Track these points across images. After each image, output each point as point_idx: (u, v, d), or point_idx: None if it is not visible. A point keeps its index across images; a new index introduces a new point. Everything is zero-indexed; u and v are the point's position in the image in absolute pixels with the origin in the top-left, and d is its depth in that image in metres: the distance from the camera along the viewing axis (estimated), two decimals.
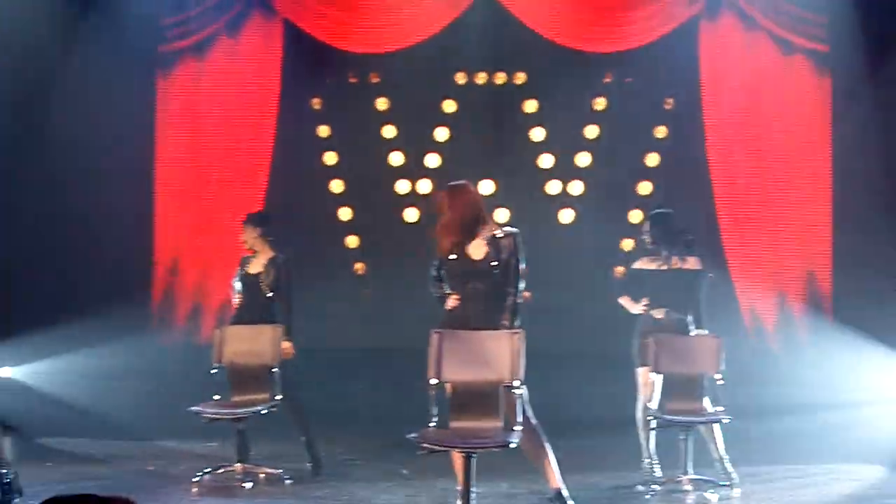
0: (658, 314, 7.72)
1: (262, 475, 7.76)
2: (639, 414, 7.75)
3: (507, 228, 6.55)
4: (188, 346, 10.35)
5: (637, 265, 7.89)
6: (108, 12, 10.49)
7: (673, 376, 7.54)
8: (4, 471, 6.56)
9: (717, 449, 7.54)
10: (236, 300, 8.20)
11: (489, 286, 6.39)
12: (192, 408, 7.53)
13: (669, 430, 7.52)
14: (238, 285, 8.14)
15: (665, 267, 7.72)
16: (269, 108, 10.79)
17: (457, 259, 6.44)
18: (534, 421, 6.37)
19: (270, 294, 7.98)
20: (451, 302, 6.47)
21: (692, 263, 7.75)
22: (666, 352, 7.56)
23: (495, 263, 6.38)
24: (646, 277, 7.79)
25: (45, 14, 10.35)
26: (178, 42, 10.91)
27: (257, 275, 8.02)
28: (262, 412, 7.58)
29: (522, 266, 6.45)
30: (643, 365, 7.67)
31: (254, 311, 7.99)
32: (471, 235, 6.44)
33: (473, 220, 6.45)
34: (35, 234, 10.22)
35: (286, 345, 7.84)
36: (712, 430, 7.53)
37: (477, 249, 6.44)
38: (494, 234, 6.47)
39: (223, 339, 7.88)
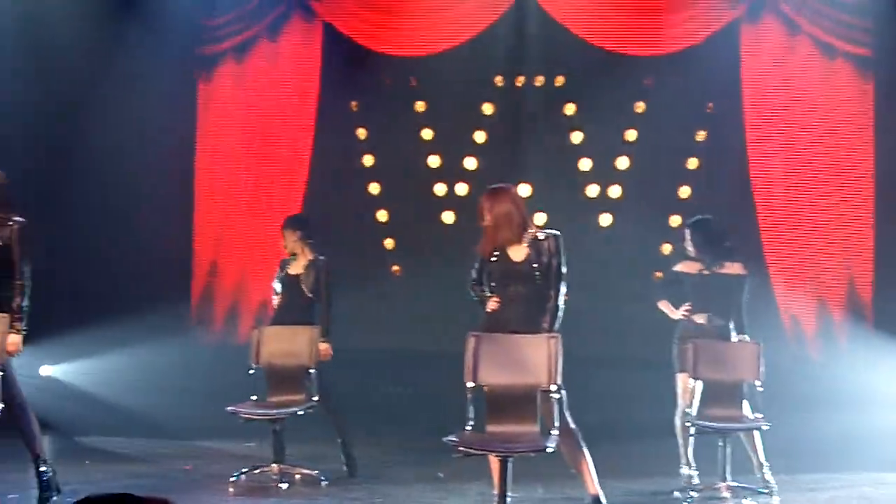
0: (700, 319, 7.65)
1: (298, 476, 7.77)
2: (678, 420, 7.69)
3: (549, 231, 6.52)
4: (226, 346, 10.42)
5: (677, 268, 7.84)
6: (149, 15, 10.62)
7: (712, 382, 7.49)
8: (43, 469, 6.62)
9: (757, 456, 7.46)
10: (276, 301, 8.21)
11: (530, 289, 6.37)
12: (230, 408, 7.56)
13: (708, 436, 7.45)
14: (278, 286, 8.16)
15: (707, 271, 7.66)
16: (307, 111, 10.86)
17: (498, 261, 6.42)
18: (573, 425, 6.33)
19: (310, 295, 7.99)
20: (492, 304, 6.46)
21: (734, 268, 7.69)
22: (705, 358, 7.50)
23: (536, 266, 6.36)
24: (686, 281, 7.74)
25: (88, 17, 10.48)
26: (219, 45, 11.03)
27: (297, 276, 8.04)
28: (299, 413, 7.58)
29: (564, 269, 6.42)
30: (682, 371, 7.60)
31: (293, 312, 8.01)
32: (512, 238, 6.41)
33: (515, 222, 6.42)
34: (76, 234, 10.30)
35: (324, 346, 7.85)
36: (752, 438, 7.45)
37: (518, 252, 6.42)
38: (536, 237, 6.45)
39: (261, 339, 7.91)
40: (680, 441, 7.70)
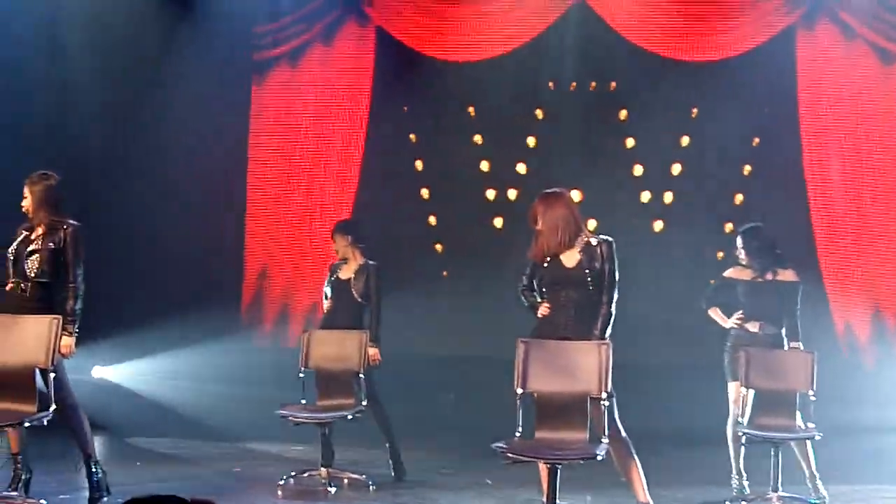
0: (752, 328, 7.57)
1: (346, 480, 7.79)
2: (729, 429, 7.61)
3: (602, 237, 6.47)
4: (276, 349, 10.46)
5: (728, 274, 7.76)
6: (204, 20, 10.71)
7: (765, 391, 7.41)
8: (94, 469, 6.68)
9: (809, 466, 7.38)
10: (326, 305, 8.24)
11: (582, 295, 6.33)
12: (279, 411, 7.58)
13: (760, 445, 7.37)
14: (328, 291, 8.18)
15: (759, 279, 7.59)
16: (359, 115, 10.90)
17: (550, 266, 6.39)
18: (623, 433, 6.29)
19: (360, 300, 8.01)
20: (543, 310, 6.42)
21: (787, 275, 7.61)
22: (757, 366, 7.43)
23: (589, 271, 6.32)
24: (738, 288, 7.66)
25: (144, 22, 10.59)
26: (273, 50, 11.10)
27: (347, 280, 8.05)
28: (348, 417, 7.58)
29: (616, 275, 6.38)
30: (735, 379, 7.53)
31: (344, 316, 8.03)
32: (565, 243, 6.38)
33: (569, 227, 6.38)
34: (129, 236, 10.41)
35: (373, 351, 7.87)
36: (804, 447, 7.37)
37: (570, 257, 6.38)
38: (589, 242, 6.40)
39: (310, 343, 7.93)
40: (731, 450, 7.63)
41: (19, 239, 6.80)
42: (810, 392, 7.35)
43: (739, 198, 10.58)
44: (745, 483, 7.55)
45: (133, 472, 7.96)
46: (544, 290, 6.44)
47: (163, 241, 10.50)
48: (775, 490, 7.24)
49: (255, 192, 11.14)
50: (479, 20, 10.69)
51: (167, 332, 10.01)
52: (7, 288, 6.74)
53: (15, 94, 9.59)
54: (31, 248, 6.70)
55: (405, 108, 11.11)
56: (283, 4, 11.02)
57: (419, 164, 11.12)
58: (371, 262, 8.07)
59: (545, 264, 6.40)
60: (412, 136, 11.12)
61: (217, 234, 10.84)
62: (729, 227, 10.26)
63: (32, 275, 6.67)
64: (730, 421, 7.60)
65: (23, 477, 6.49)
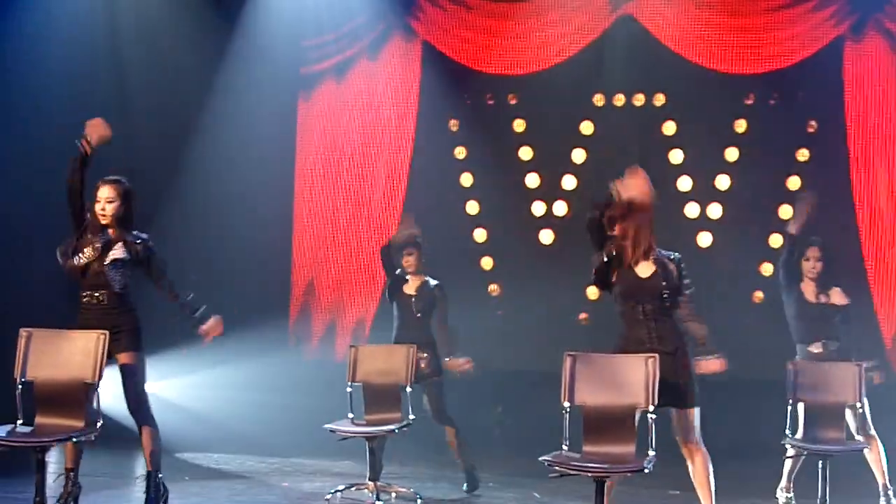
0: (815, 349, 7.56)
1: (393, 494, 7.83)
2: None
3: (671, 253, 6.39)
4: (324, 363, 10.51)
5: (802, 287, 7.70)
6: (252, 35, 10.83)
7: (812, 405, 7.37)
8: (156, 483, 6.67)
9: (883, 477, 7.35)
10: (395, 321, 8.34)
11: (657, 307, 6.23)
12: (327, 426, 7.59)
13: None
14: (395, 306, 8.31)
15: (823, 296, 7.58)
16: (406, 130, 10.95)
17: (623, 276, 6.27)
18: (703, 446, 6.23)
19: (419, 315, 8.15)
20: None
21: (838, 297, 7.58)
22: (805, 380, 7.40)
23: (665, 284, 6.22)
24: (800, 304, 7.63)
25: (193, 34, 10.69)
26: (319, 64, 11.17)
27: (411, 296, 8.21)
28: (395, 431, 7.59)
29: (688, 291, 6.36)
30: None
31: (411, 331, 8.16)
32: (644, 254, 6.29)
33: (647, 238, 6.30)
34: (176, 251, 10.46)
35: (461, 361, 8.10)
36: (878, 458, 7.34)
37: (646, 268, 6.29)
38: (659, 256, 6.32)
39: (357, 357, 7.95)
40: (786, 464, 7.56)
41: (90, 248, 6.64)
42: (858, 404, 7.31)
43: (788, 211, 10.51)
44: (791, 496, 7.49)
45: (181, 487, 8.01)
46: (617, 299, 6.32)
47: (211, 256, 10.58)
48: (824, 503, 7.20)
49: (303, 205, 11.22)
50: (526, 35, 10.73)
51: (216, 346, 10.01)
52: (84, 300, 6.66)
53: (75, 102, 9.64)
54: (111, 258, 6.66)
55: (453, 122, 11.15)
56: (330, 19, 11.07)
57: (467, 179, 11.15)
58: (432, 279, 8.27)
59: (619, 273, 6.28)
60: (459, 151, 11.16)
61: (265, 249, 10.89)
62: (776, 240, 10.22)
63: (118, 288, 6.67)
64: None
65: (72, 491, 6.51)
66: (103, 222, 6.69)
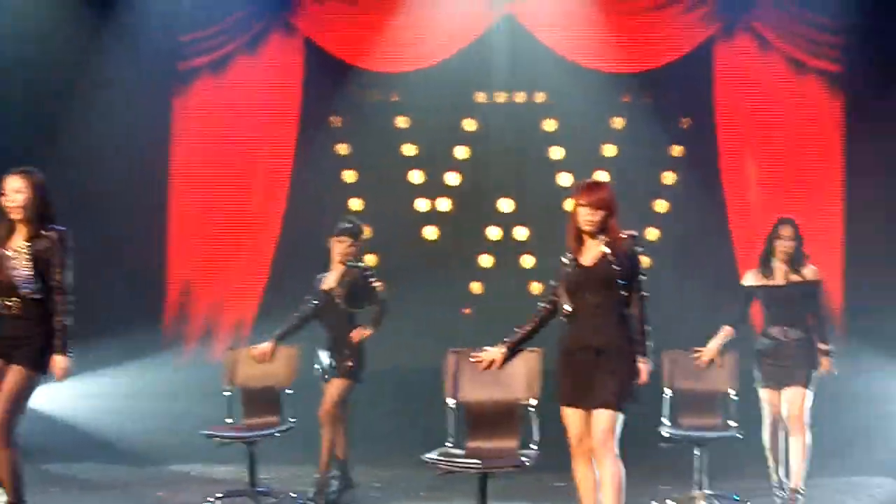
0: (777, 333, 7.43)
1: (273, 500, 7.67)
2: (765, 435, 7.58)
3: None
4: (202, 367, 10.14)
5: (747, 283, 7.62)
6: (126, 28, 10.54)
7: (686, 392, 7.65)
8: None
9: (797, 478, 7.26)
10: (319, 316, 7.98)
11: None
12: (205, 431, 7.37)
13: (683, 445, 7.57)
14: (316, 301, 7.93)
15: (782, 282, 7.44)
16: (288, 127, 10.82)
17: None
18: (617, 449, 5.74)
19: (343, 307, 7.84)
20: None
21: (812, 274, 7.46)
22: (680, 368, 7.69)
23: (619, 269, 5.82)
24: (760, 294, 7.53)
25: (65, 28, 10.36)
26: (197, 59, 10.88)
27: (330, 289, 7.89)
28: (276, 435, 7.44)
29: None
30: (764, 386, 7.49)
31: (334, 326, 7.86)
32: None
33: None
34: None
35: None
36: (802, 453, 7.22)
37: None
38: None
39: (235, 360, 7.83)
40: (770, 456, 7.56)
41: None
42: (732, 392, 7.59)
43: (663, 205, 10.84)
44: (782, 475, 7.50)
45: (50, 500, 7.68)
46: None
47: (80, 256, 10.23)
48: (700, 489, 7.47)
49: (178, 204, 10.88)
50: (409, 32, 10.74)
51: (85, 351, 9.56)
52: None
53: None
54: (15, 258, 6.12)
55: (335, 120, 11.16)
56: (208, 14, 10.79)
57: (350, 176, 11.18)
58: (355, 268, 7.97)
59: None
60: (342, 147, 11.18)
61: (138, 249, 10.54)
62: (653, 233, 10.58)
63: (25, 291, 6.12)
64: (765, 427, 7.55)
65: None
66: (12, 216, 6.15)
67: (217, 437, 7.33)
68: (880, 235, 10.05)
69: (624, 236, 5.94)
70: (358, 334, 7.80)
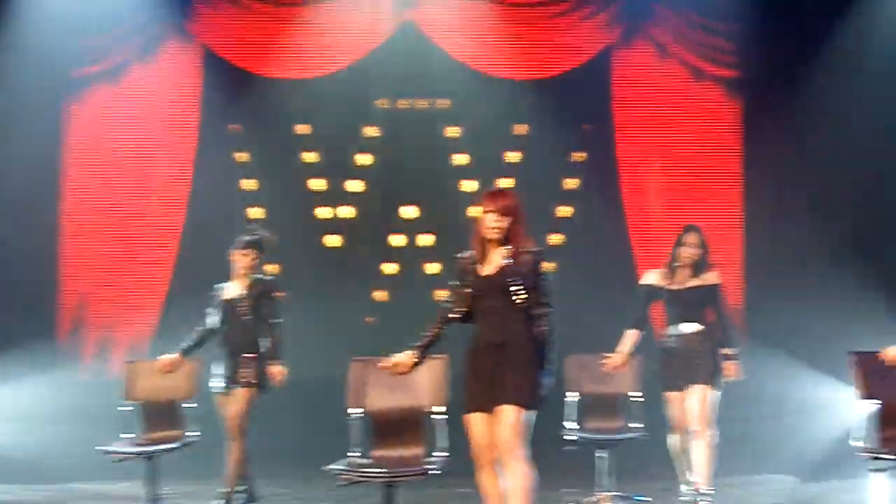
0: (686, 329, 7.34)
1: None
2: (671, 438, 7.49)
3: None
4: (99, 382, 9.94)
5: (652, 281, 7.52)
6: (15, 34, 10.33)
7: (591, 395, 7.70)
8: None
9: (704, 479, 7.17)
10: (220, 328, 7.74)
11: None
12: (101, 447, 7.18)
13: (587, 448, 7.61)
14: (217, 313, 7.71)
15: (685, 285, 7.39)
16: (186, 135, 10.67)
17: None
18: (526, 452, 5.61)
19: (248, 318, 7.66)
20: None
21: (714, 277, 7.43)
22: (584, 372, 7.74)
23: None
24: (663, 296, 7.46)
25: None
26: (91, 66, 10.67)
27: (232, 300, 7.70)
28: (177, 449, 7.28)
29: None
30: (665, 389, 7.39)
31: (237, 337, 7.66)
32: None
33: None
34: None
35: (277, 369, 7.60)
36: (707, 454, 7.13)
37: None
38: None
39: (135, 373, 7.68)
40: (676, 462, 7.51)
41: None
42: (636, 394, 7.64)
43: (567, 210, 10.90)
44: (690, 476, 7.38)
45: None
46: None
47: None
48: (604, 491, 7.50)
49: (72, 215, 10.63)
50: (309, 38, 10.71)
51: None
52: None
53: None
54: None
55: (234, 127, 11.02)
56: (101, 20, 10.59)
57: (249, 184, 11.02)
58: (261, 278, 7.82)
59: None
60: (242, 155, 11.03)
61: (30, 262, 10.26)
62: (556, 238, 10.63)
63: None
64: (671, 429, 7.46)
65: None
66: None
67: (112, 452, 7.16)
68: (778, 237, 10.25)
69: (529, 251, 5.81)
70: (279, 375, 7.60)
